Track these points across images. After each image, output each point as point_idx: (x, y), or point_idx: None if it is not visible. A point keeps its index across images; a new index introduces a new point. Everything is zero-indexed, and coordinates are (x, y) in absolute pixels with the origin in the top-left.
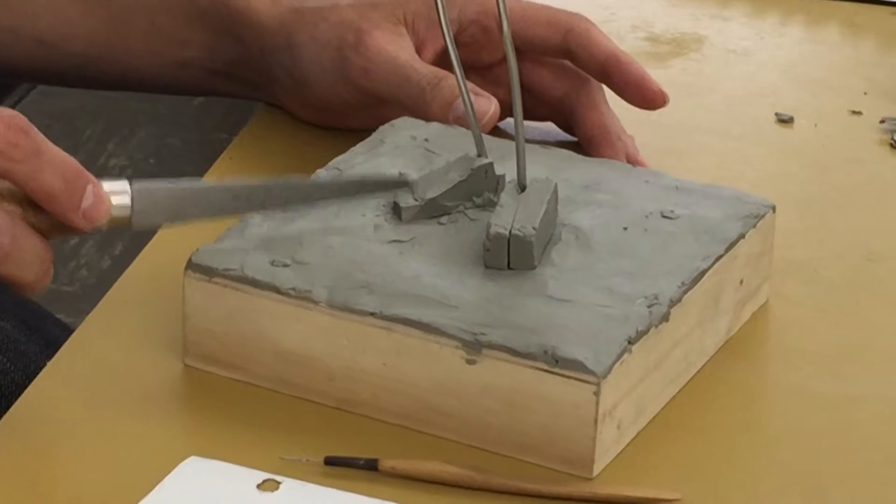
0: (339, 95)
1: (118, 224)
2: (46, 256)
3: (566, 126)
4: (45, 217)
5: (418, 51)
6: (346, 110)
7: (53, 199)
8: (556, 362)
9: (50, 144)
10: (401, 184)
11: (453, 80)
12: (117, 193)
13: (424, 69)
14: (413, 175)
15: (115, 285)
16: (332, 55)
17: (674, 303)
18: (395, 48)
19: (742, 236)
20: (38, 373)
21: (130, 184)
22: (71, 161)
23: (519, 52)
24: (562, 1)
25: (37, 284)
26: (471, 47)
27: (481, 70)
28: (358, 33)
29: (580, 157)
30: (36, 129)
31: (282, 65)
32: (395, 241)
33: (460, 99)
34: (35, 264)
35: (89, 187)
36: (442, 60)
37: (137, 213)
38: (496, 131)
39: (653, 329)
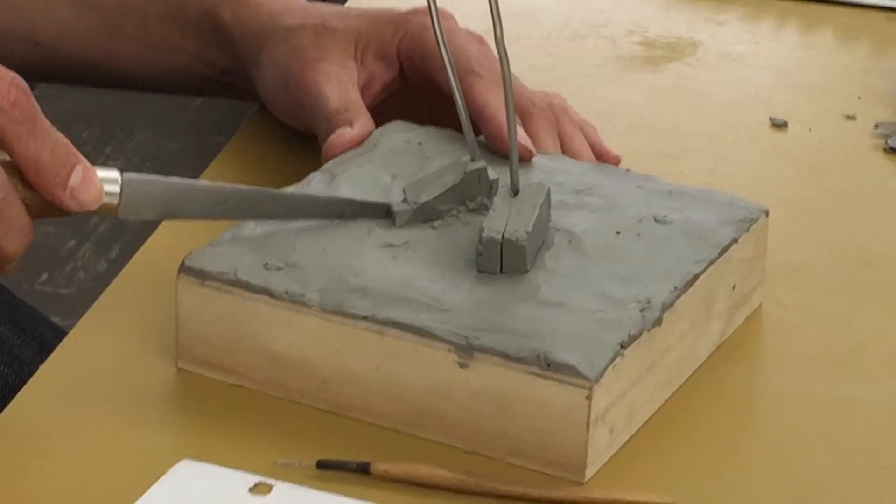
0: (288, 117)
1: (105, 211)
2: (28, 231)
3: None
4: (34, 194)
5: (368, 83)
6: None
7: (40, 171)
8: (549, 366)
9: (44, 118)
10: (386, 210)
11: (350, 116)
12: (107, 181)
13: (336, 104)
14: (403, 184)
15: (109, 288)
16: (281, 81)
17: (666, 307)
18: (330, 81)
19: (735, 241)
20: (31, 375)
21: (121, 174)
22: (63, 138)
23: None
24: (556, 6)
25: (11, 259)
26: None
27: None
28: (303, 63)
29: (573, 161)
30: (34, 99)
31: (253, 78)
32: (388, 244)
33: (335, 134)
34: (17, 234)
35: (79, 167)
36: (391, 95)
37: (125, 203)
38: None
39: (645, 333)
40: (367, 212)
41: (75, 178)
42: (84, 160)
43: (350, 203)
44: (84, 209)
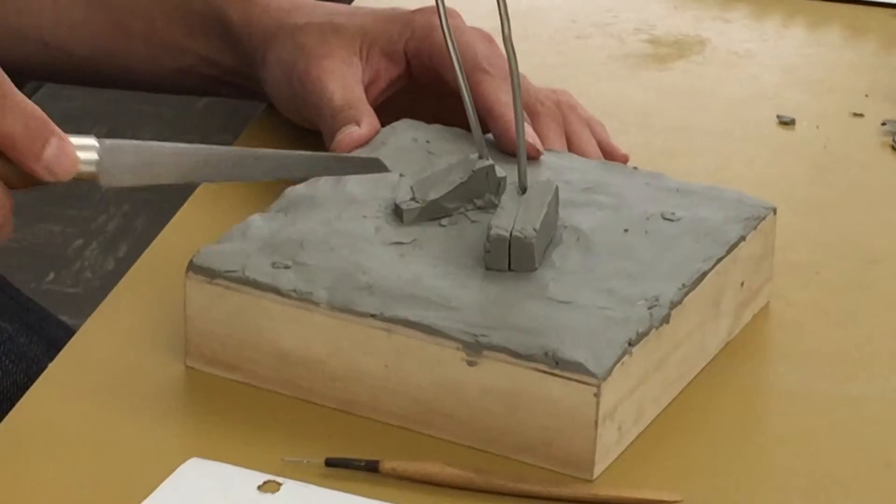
0: (294, 115)
1: (85, 179)
2: (5, 203)
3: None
4: (10, 166)
5: (373, 81)
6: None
7: (14, 146)
8: (557, 364)
9: (17, 92)
10: (376, 164)
11: (355, 114)
12: (84, 149)
13: (340, 101)
14: (411, 182)
15: (117, 287)
16: (287, 79)
17: (674, 305)
18: (333, 78)
19: (743, 238)
20: (39, 374)
21: (98, 141)
22: (36, 111)
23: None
24: (563, 4)
25: None
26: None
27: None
28: (308, 60)
29: (581, 159)
30: (5, 76)
31: (260, 77)
32: (396, 242)
33: (343, 133)
34: None
35: (53, 139)
36: (398, 94)
37: (105, 170)
38: None
39: (653, 331)
40: (356, 167)
41: (50, 151)
42: (59, 132)
43: (338, 158)
44: (61, 179)
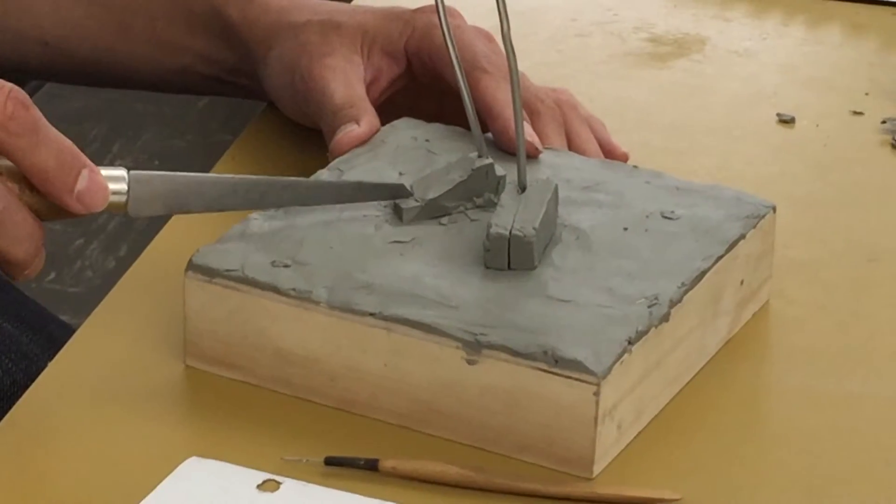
0: (295, 113)
1: (115, 210)
2: (38, 235)
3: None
4: (41, 199)
5: (374, 79)
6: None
7: (47, 179)
8: (556, 362)
9: (48, 124)
10: (400, 190)
11: (356, 112)
12: (114, 180)
13: (341, 99)
14: (411, 181)
15: (117, 286)
16: (289, 76)
17: (674, 303)
18: (335, 76)
19: (743, 237)
20: (39, 373)
21: (128, 171)
22: (68, 143)
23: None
24: (563, 3)
25: (27, 264)
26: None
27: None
28: (310, 59)
29: (581, 157)
30: (35, 108)
31: (261, 76)
32: (395, 241)
33: (343, 131)
34: (25, 241)
35: (85, 171)
36: (398, 92)
37: (134, 200)
38: None
39: (653, 329)
40: (382, 193)
41: (82, 183)
42: (90, 163)
43: (362, 186)
44: (92, 212)
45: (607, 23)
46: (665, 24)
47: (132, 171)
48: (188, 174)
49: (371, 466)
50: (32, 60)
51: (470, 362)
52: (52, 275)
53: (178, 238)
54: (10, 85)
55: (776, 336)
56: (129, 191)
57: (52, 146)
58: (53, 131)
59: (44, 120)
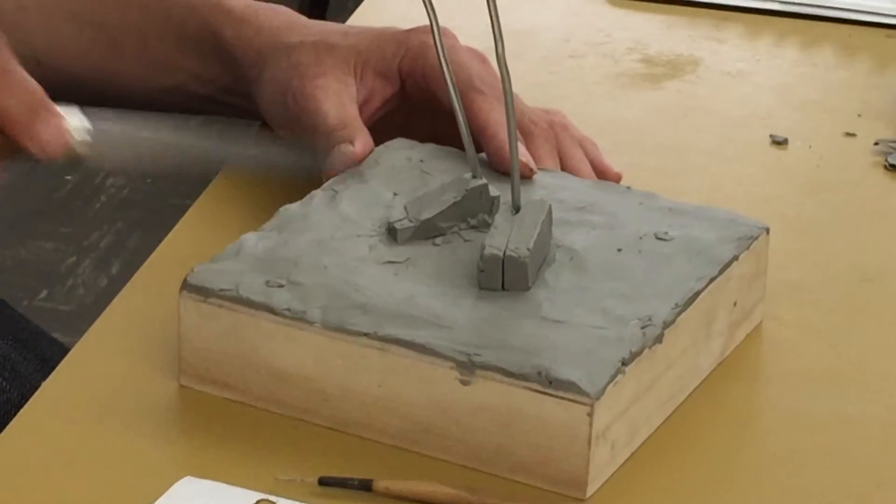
0: (287, 134)
1: (74, 157)
2: None
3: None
4: (2, 138)
5: (367, 100)
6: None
7: (10, 120)
8: (550, 383)
9: (19, 68)
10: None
11: (350, 133)
12: (76, 131)
13: (334, 120)
14: (405, 202)
15: (111, 305)
16: (281, 97)
17: (667, 324)
18: (328, 97)
19: (736, 258)
20: (33, 392)
21: (90, 123)
22: (35, 88)
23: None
24: (557, 24)
25: None
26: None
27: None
28: (302, 79)
29: (574, 178)
30: (8, 52)
31: (254, 96)
32: (389, 261)
33: (336, 151)
34: None
35: (48, 117)
36: (392, 113)
37: (94, 153)
38: None
39: (646, 350)
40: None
41: (44, 128)
42: (55, 110)
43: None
44: (52, 157)
45: (601, 44)
46: (658, 45)
47: (96, 121)
48: (150, 133)
49: (365, 487)
50: None
51: (464, 383)
52: (44, 293)
53: (172, 257)
54: None
55: (769, 357)
56: (89, 142)
57: (18, 90)
58: (23, 74)
59: (16, 65)
